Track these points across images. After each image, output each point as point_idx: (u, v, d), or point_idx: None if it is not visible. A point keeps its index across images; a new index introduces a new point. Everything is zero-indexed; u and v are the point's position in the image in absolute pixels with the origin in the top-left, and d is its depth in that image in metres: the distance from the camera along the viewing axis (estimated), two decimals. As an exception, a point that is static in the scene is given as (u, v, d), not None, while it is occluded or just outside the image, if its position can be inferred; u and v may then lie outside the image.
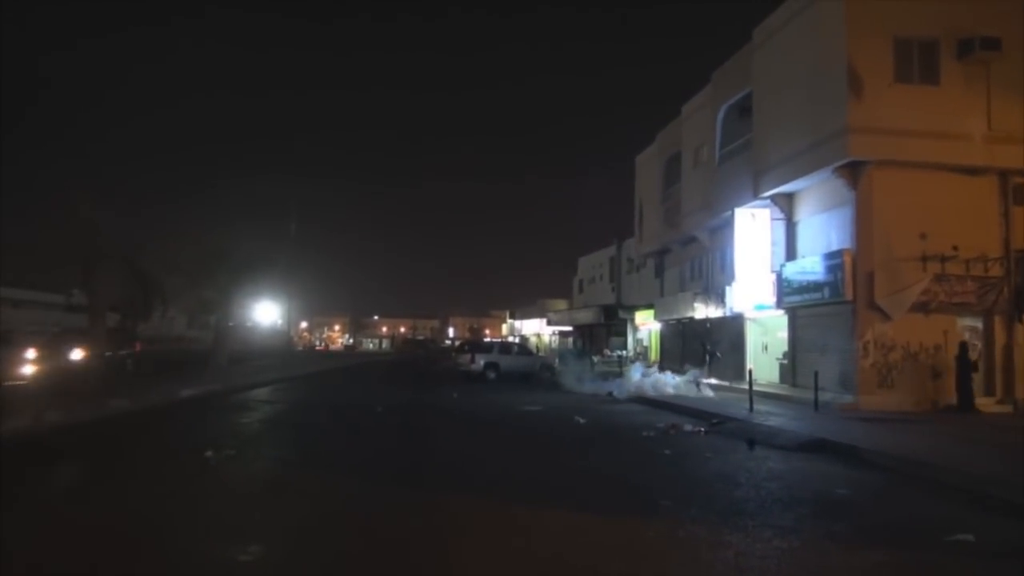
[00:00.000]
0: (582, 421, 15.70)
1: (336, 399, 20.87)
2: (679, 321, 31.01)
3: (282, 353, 44.74)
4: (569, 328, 58.34)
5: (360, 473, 9.42)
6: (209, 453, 10.09)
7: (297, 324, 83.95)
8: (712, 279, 27.94)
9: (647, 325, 41.30)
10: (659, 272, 36.83)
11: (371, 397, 20.93)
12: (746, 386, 22.69)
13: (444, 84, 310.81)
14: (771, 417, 15.55)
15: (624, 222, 44.73)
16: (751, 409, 16.70)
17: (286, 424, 15.06)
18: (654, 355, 40.76)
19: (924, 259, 17.66)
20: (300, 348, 74.90)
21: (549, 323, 62.95)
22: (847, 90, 17.24)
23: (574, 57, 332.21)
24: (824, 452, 11.60)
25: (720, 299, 25.73)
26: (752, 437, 12.90)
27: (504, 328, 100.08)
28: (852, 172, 17.85)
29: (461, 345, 39.11)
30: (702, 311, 27.75)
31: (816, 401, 16.81)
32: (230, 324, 34.83)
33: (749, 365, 18.94)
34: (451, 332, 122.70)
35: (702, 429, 14.40)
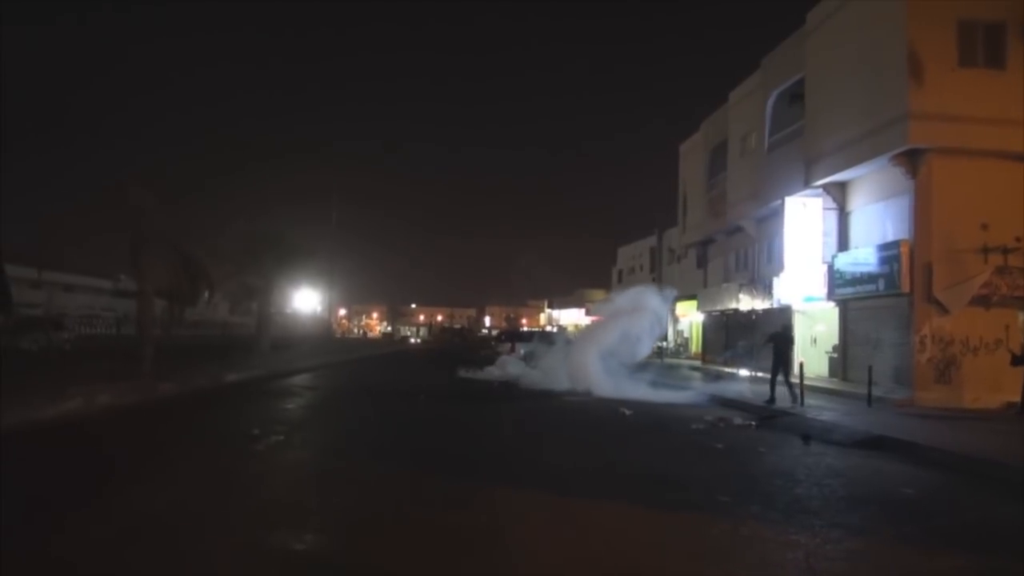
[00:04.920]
0: (628, 412, 15.43)
1: (378, 387, 20.89)
2: (723, 312, 30.52)
3: (322, 340, 45.22)
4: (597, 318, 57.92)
5: (408, 461, 9.31)
6: (257, 439, 10.10)
7: (336, 311, 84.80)
8: (758, 270, 27.41)
9: (688, 316, 40.77)
10: (701, 263, 36.31)
11: (413, 385, 20.92)
12: (792, 378, 22.31)
13: (473, 77, 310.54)
14: (823, 412, 15.11)
15: (665, 212, 44.16)
16: (802, 403, 16.26)
17: (332, 411, 15.09)
18: (695, 347, 40.27)
19: (985, 251, 17.00)
20: (339, 335, 75.71)
21: (588, 313, 62.61)
22: (907, 75, 16.62)
23: (616, 47, 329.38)
24: (883, 449, 11.18)
25: (767, 290, 25.20)
26: (806, 432, 12.52)
27: (542, 318, 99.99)
28: (911, 160, 17.25)
29: (501, 334, 39.04)
30: (747, 302, 27.24)
31: (870, 396, 16.31)
32: (272, 311, 35.24)
33: (799, 358, 18.44)
34: (487, 321, 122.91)
35: (752, 423, 14.05)
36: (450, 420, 14.25)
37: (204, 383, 17.37)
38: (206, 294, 22.10)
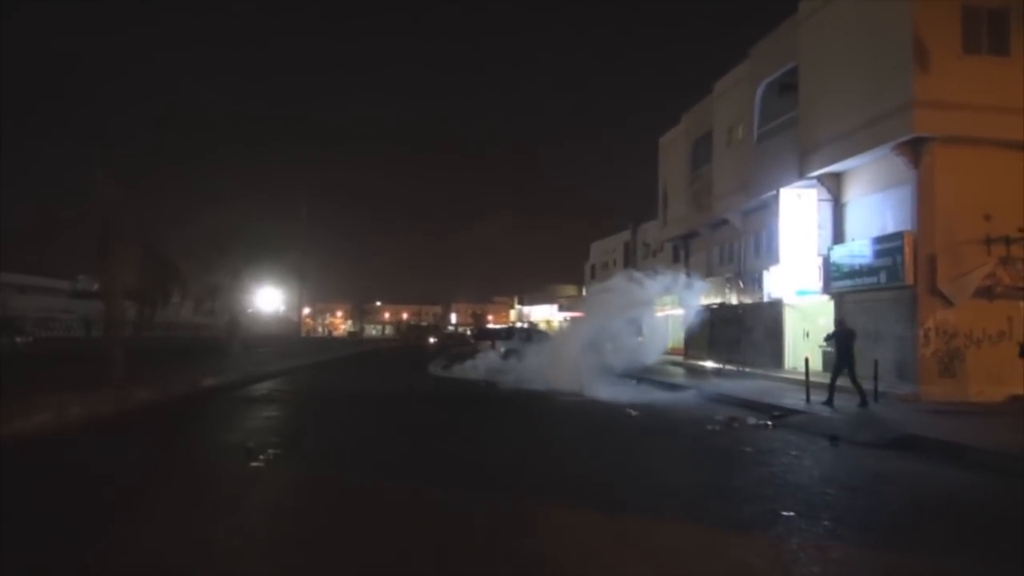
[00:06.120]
0: (634, 413, 14.79)
1: (364, 390, 19.96)
2: (707, 307, 30.06)
3: (290, 340, 43.90)
4: (581, 315, 57.42)
5: (426, 478, 8.46)
6: (252, 455, 9.19)
7: (301, 310, 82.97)
8: (745, 264, 26.99)
9: (664, 311, 40.33)
10: (678, 257, 35.87)
11: (397, 387, 20.06)
12: (783, 374, 21.95)
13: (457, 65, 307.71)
14: (832, 408, 14.67)
15: (639, 205, 43.74)
16: (808, 399, 15.80)
17: (323, 418, 14.16)
18: (671, 342, 39.81)
19: (988, 242, 16.70)
20: (305, 334, 74.02)
21: (560, 309, 62.16)
22: (912, 62, 16.19)
23: (584, 47, 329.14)
24: (918, 450, 10.63)
25: (755, 284, 24.79)
26: (830, 432, 11.95)
27: (512, 314, 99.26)
28: (914, 149, 16.85)
29: (479, 331, 38.18)
30: (733, 297, 26.83)
31: (876, 391, 15.88)
32: (241, 311, 33.98)
33: (805, 354, 18.01)
34: (454, 318, 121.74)
35: (768, 422, 13.47)
36: (451, 426, 13.44)
37: (181, 389, 16.28)
38: (178, 294, 21.01)
